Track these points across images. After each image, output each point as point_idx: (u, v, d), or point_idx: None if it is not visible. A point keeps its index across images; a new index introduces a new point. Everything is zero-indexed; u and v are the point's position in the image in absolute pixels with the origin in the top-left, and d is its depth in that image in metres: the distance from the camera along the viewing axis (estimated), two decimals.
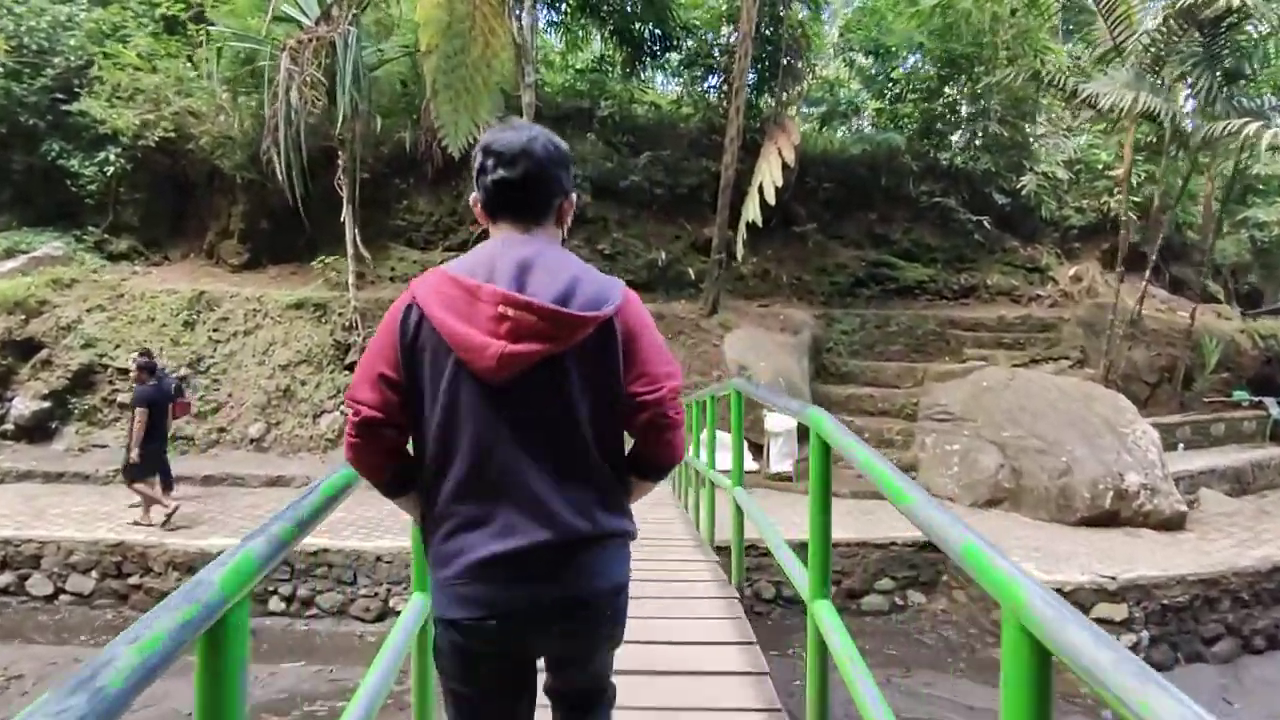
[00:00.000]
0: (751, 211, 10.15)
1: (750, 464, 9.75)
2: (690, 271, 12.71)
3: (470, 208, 1.36)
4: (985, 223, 12.97)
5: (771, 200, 9.99)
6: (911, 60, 12.96)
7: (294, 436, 9.68)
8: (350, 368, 10.12)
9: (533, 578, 1.19)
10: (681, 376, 1.33)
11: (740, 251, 10.57)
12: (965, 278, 13.34)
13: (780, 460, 9.44)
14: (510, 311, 1.13)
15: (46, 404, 9.41)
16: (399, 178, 12.32)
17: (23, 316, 9.72)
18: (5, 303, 9.64)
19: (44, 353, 9.65)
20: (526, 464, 1.19)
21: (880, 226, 13.61)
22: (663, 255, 12.52)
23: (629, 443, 1.33)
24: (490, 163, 1.26)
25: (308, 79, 8.74)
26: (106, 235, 11.58)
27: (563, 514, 1.19)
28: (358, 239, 10.21)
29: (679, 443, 1.30)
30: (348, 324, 10.14)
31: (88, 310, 10.03)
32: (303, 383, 9.99)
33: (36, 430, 9.35)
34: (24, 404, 9.34)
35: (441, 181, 12.38)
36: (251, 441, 9.60)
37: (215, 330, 10.21)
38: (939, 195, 13.26)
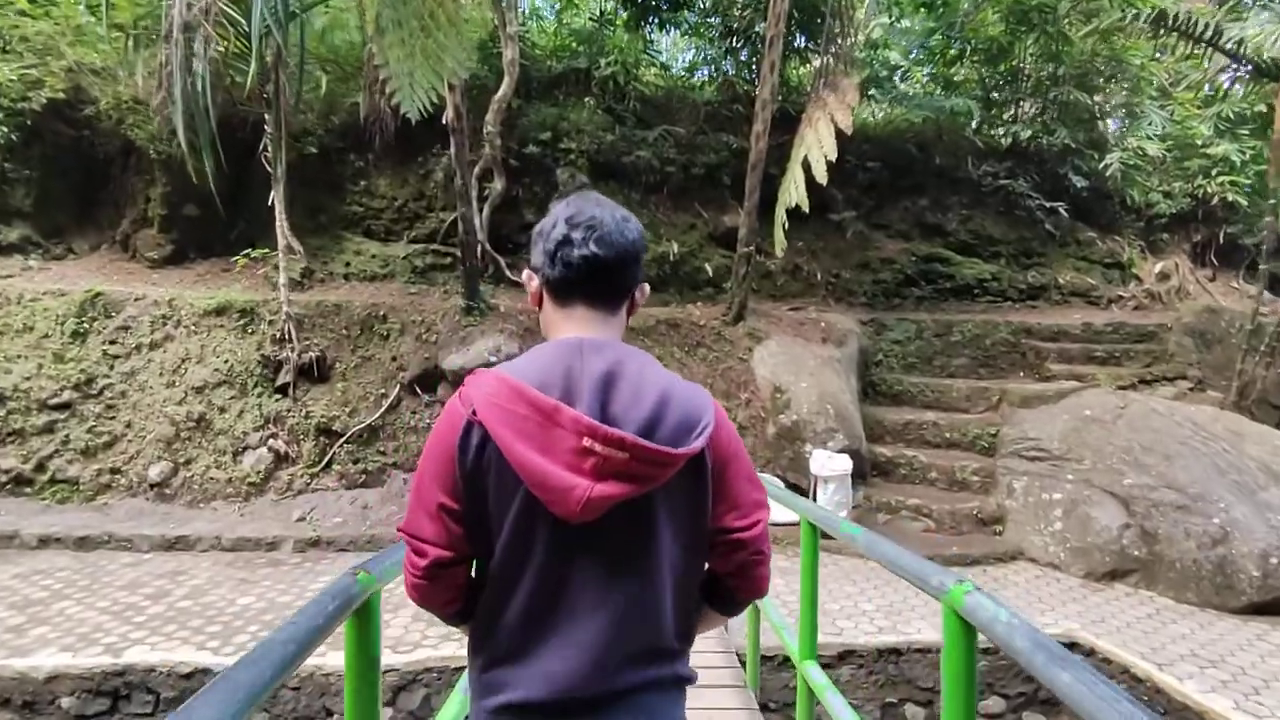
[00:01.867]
0: (794, 193, 8.02)
1: (788, 514, 7.66)
2: (708, 268, 10.59)
3: (526, 285, 1.20)
4: (1061, 209, 10.81)
5: (823, 178, 7.84)
6: (972, 13, 10.74)
7: (207, 480, 7.57)
8: (283, 391, 8.01)
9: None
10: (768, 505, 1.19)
11: (780, 244, 8.42)
12: (1033, 275, 11.20)
13: (831, 511, 7.31)
14: (598, 447, 0.97)
15: None
16: (354, 153, 10.16)
17: None
18: None
19: None
20: (591, 605, 1.06)
21: (933, 214, 11.45)
22: (675, 248, 10.38)
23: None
24: (579, 236, 1.12)
25: (215, 13, 6.57)
26: None
27: (618, 664, 1.07)
28: (287, 228, 8.07)
29: (767, 575, 1.19)
30: (279, 335, 8.01)
31: None
32: (222, 410, 7.87)
33: None
34: None
35: (406, 158, 10.23)
36: (152, 487, 7.48)
37: (113, 343, 8.07)
38: (1004, 177, 11.11)
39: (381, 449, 7.88)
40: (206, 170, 7.04)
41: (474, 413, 1.02)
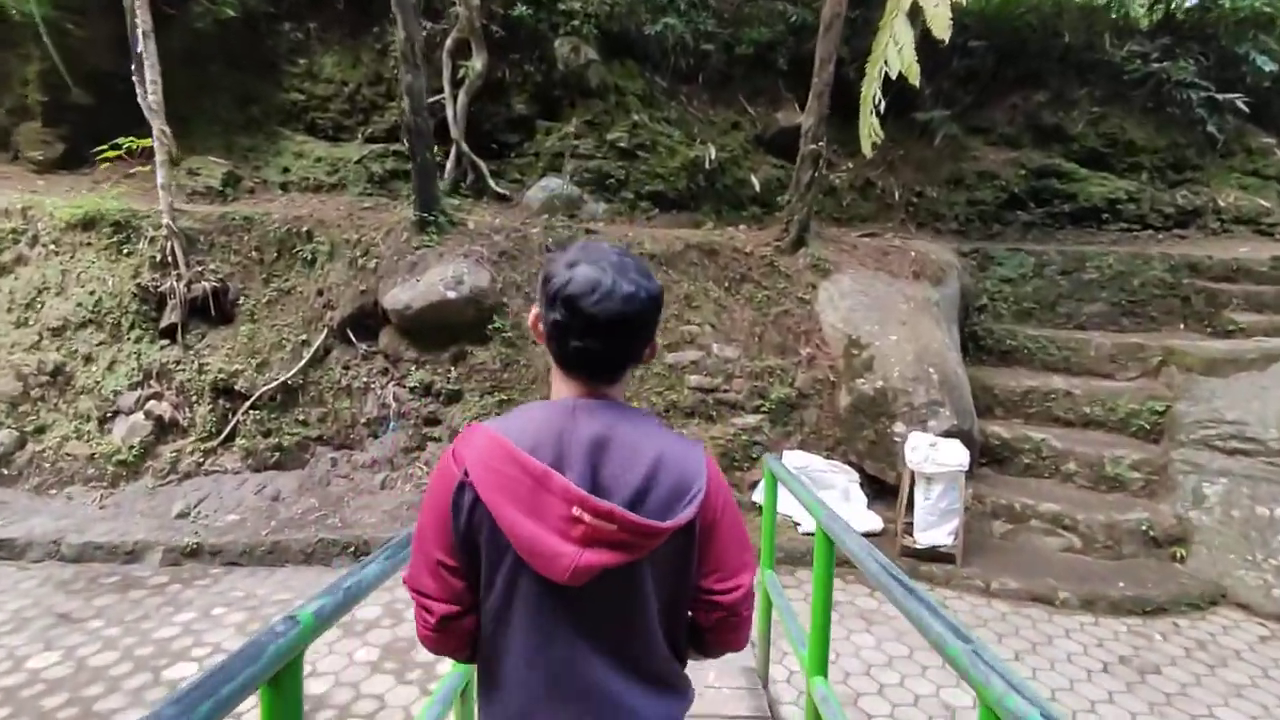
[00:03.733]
0: (895, 59, 5.44)
1: (871, 519, 5.41)
2: (754, 180, 8.07)
3: (532, 326, 1.11)
4: (1239, 103, 8.01)
5: (911, 70, 5.26)
6: None
7: (63, 456, 5.51)
8: (169, 335, 5.84)
9: None
10: (756, 564, 1.24)
11: (872, 136, 5.91)
12: (1183, 196, 8.48)
13: (934, 522, 5.04)
14: (587, 517, 0.96)
15: None
16: (291, 22, 7.73)
17: None
18: None
19: None
20: (583, 662, 1.05)
21: (1051, 113, 8.69)
22: (711, 153, 7.87)
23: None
24: (578, 324, 1.02)
25: None
26: None
27: (632, 708, 1.07)
28: (154, 102, 5.75)
29: (746, 635, 1.19)
30: (161, 257, 5.80)
31: None
32: (87, 359, 5.75)
33: None
34: None
35: (359, 29, 7.78)
36: None
37: None
38: (1156, 59, 8.28)
39: (302, 417, 5.72)
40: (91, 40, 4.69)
41: (466, 473, 1.01)
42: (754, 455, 5.75)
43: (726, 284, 6.38)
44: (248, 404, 5.65)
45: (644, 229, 6.81)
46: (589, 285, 1.00)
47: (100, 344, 5.80)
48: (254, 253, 5.99)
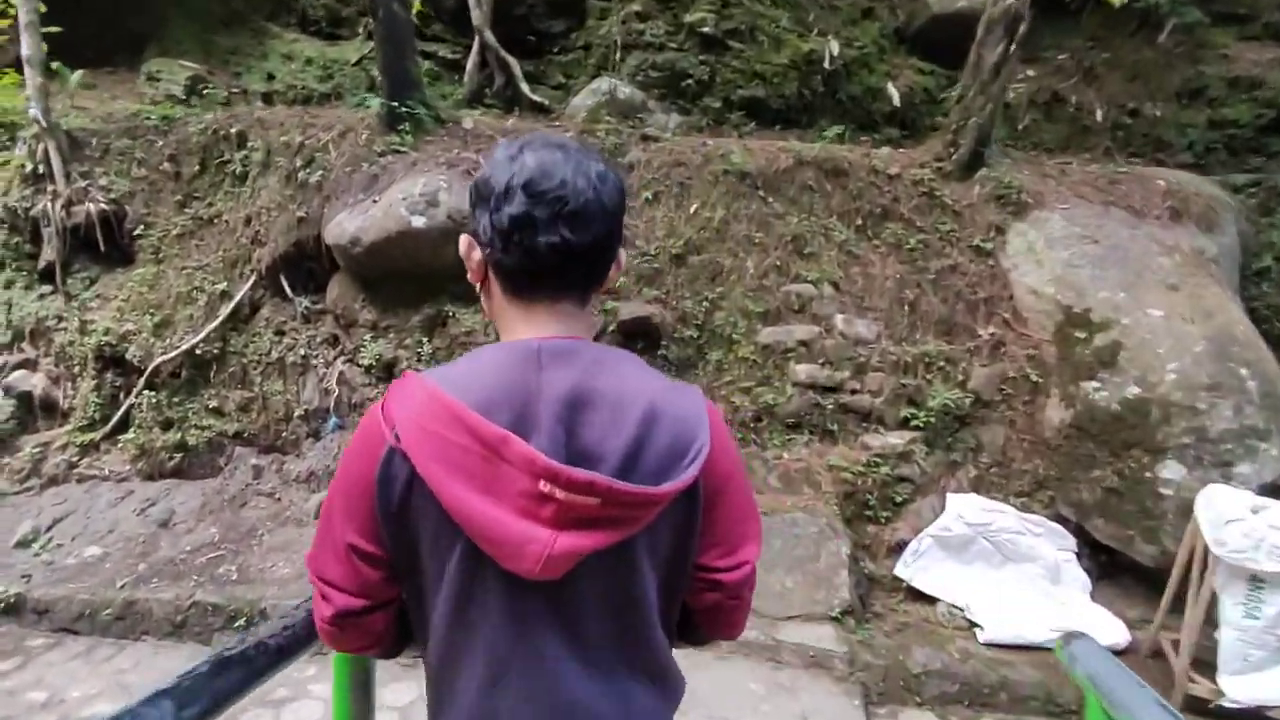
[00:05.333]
0: None
1: (1109, 625, 3.09)
2: (892, 90, 5.71)
3: (465, 257, 0.86)
4: None
5: None
6: None
7: None
8: (48, 278, 4.14)
9: None
10: (762, 536, 0.91)
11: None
12: None
13: (1265, 661, 2.65)
14: (559, 493, 0.71)
15: None
16: None
17: None
18: None
19: None
20: (567, 676, 0.80)
21: None
22: (834, 48, 5.53)
23: None
24: (543, 214, 0.78)
25: None
26: None
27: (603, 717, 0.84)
28: None
29: (744, 622, 0.97)
30: (33, 167, 4.07)
31: None
32: None
33: None
34: None
35: None
36: None
37: None
38: None
39: (215, 403, 3.90)
40: None
41: (397, 437, 0.75)
42: (897, 499, 3.51)
43: (859, 221, 4.09)
44: (142, 381, 3.88)
45: (731, 141, 4.58)
46: (548, 167, 0.79)
47: None
48: (166, 164, 4.17)
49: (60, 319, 4.06)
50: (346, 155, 3.83)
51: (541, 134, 0.85)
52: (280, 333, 3.92)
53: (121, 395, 3.97)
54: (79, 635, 3.17)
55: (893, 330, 3.82)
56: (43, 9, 4.00)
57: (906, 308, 3.86)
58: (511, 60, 5.54)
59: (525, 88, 5.48)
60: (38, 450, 3.87)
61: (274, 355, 3.89)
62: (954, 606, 3.28)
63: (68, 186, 3.96)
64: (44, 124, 3.92)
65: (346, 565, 0.81)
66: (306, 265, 3.93)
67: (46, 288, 4.15)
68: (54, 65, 4.23)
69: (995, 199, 4.16)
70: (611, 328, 3.71)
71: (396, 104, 3.81)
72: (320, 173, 3.82)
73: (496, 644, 0.79)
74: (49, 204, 3.95)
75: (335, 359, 3.83)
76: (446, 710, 0.85)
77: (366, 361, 3.74)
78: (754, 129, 5.36)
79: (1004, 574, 3.35)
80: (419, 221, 3.44)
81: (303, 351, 3.87)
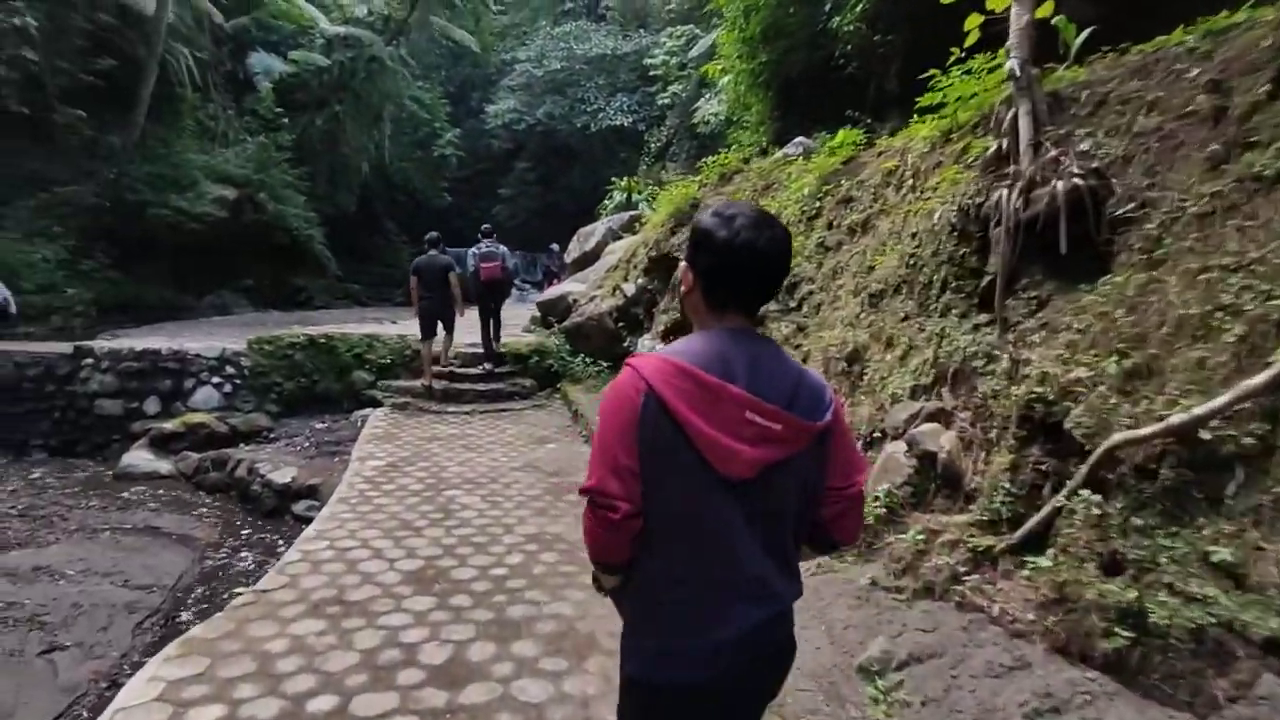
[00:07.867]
0: None
1: None
2: None
3: (681, 284, 1.30)
4: None
5: None
6: None
7: None
8: (988, 303, 2.91)
9: (758, 644, 1.24)
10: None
11: None
12: None
13: None
14: (758, 419, 1.15)
15: None
16: None
17: None
18: None
19: None
20: (749, 550, 1.21)
21: None
22: None
23: None
24: (753, 265, 1.20)
25: None
26: None
27: (780, 593, 1.25)
28: None
29: (860, 526, 1.34)
30: (997, 148, 2.89)
31: None
32: (888, 341, 3.50)
33: None
34: None
35: None
36: None
37: None
38: None
39: (1226, 550, 1.77)
40: None
41: (650, 387, 1.14)
42: None
43: None
44: (1083, 470, 2.15)
45: None
46: (755, 231, 1.18)
47: (904, 318, 3.44)
48: (1198, 99, 2.31)
49: (990, 358, 2.78)
50: None
51: (734, 204, 1.26)
52: None
53: (1047, 487, 2.35)
54: None
55: None
56: None
57: None
58: None
59: None
60: (922, 538, 2.67)
61: None
62: None
63: (1034, 162, 2.63)
64: (1019, 76, 2.70)
65: (623, 480, 1.15)
66: None
67: (984, 316, 2.96)
68: (1055, 19, 3.02)
69: None
70: None
71: None
72: None
73: (711, 520, 1.16)
74: (1004, 192, 2.72)
75: None
76: (658, 574, 1.20)
77: None
78: None
79: None
80: None
81: None
